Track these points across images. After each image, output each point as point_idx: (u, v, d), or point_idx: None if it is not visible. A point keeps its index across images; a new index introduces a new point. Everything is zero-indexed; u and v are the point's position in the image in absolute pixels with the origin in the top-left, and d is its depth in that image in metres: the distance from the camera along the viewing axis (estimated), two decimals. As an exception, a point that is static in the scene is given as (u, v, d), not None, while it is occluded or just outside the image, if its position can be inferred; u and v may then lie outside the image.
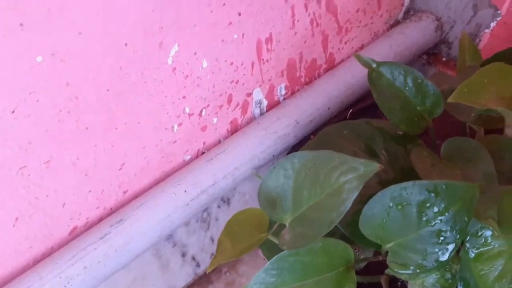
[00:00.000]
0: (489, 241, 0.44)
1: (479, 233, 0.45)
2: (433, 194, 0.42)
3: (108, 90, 0.49)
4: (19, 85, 0.43)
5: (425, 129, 0.56)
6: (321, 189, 0.43)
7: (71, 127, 0.48)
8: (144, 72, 0.51)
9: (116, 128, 0.52)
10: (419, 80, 0.55)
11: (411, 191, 0.42)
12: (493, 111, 0.49)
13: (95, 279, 0.52)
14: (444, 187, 0.41)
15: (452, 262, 0.46)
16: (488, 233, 0.44)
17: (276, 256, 0.45)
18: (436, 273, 0.45)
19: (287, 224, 0.46)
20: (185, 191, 0.57)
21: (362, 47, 0.74)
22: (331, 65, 0.71)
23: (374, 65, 0.56)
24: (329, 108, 0.67)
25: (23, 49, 0.42)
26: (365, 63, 0.56)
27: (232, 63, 0.59)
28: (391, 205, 0.43)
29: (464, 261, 0.46)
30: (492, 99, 0.48)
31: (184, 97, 0.56)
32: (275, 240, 0.45)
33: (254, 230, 0.45)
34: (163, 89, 0.54)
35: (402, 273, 0.44)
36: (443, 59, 0.79)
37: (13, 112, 0.44)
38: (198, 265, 0.68)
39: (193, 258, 0.67)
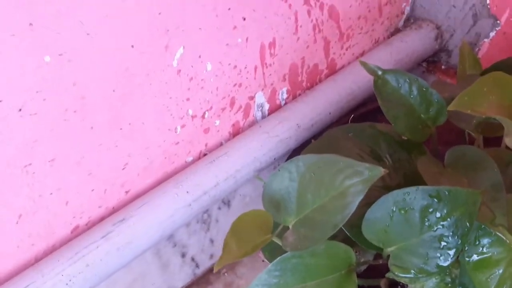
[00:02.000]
0: (487, 249, 0.45)
1: (477, 242, 0.45)
2: (436, 200, 0.43)
3: (114, 91, 0.50)
4: (26, 84, 0.44)
5: (428, 137, 0.57)
6: (326, 192, 0.44)
7: (76, 126, 0.49)
8: (150, 74, 0.52)
9: (121, 128, 0.53)
10: (424, 89, 0.56)
11: (414, 196, 0.43)
12: (493, 119, 0.50)
13: (96, 277, 0.53)
14: (446, 192, 0.42)
15: (452, 267, 0.46)
16: (486, 241, 0.45)
17: (278, 258, 0.46)
18: (436, 277, 0.46)
19: (290, 226, 0.46)
20: (187, 192, 0.58)
21: (363, 54, 0.75)
22: (332, 71, 0.72)
23: (380, 73, 0.57)
24: (330, 113, 0.68)
25: (31, 49, 0.42)
26: (371, 70, 0.57)
27: (235, 67, 0.59)
28: (394, 209, 0.44)
29: (463, 268, 0.46)
30: (492, 107, 0.49)
31: (188, 99, 0.57)
32: (279, 242, 0.46)
33: (258, 231, 0.46)
34: (168, 90, 0.54)
35: (403, 276, 0.44)
36: (443, 67, 0.80)
37: (20, 110, 0.44)
38: (197, 266, 0.69)
39: (193, 259, 0.68)
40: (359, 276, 0.49)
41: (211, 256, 0.70)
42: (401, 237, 0.44)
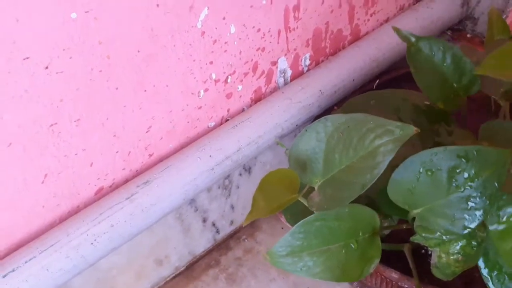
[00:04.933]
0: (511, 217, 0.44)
1: (501, 210, 0.45)
2: (464, 160, 0.42)
3: (138, 51, 0.50)
4: (53, 41, 0.43)
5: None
6: (354, 152, 0.43)
7: (101, 86, 0.49)
8: (174, 35, 0.51)
9: (145, 90, 0.53)
10: (458, 57, 0.54)
11: (442, 156, 0.42)
12: None
13: (121, 238, 0.53)
14: (475, 152, 0.41)
15: (478, 230, 0.46)
16: (510, 210, 0.44)
17: (302, 220, 0.46)
18: (462, 240, 0.46)
19: (316, 187, 0.46)
20: (210, 156, 0.58)
21: (387, 20, 0.74)
22: (356, 37, 0.71)
23: (413, 40, 0.56)
24: (353, 80, 0.67)
25: (58, 4, 0.42)
26: (404, 37, 0.56)
27: (259, 30, 0.59)
28: (421, 170, 0.43)
29: (488, 232, 0.46)
30: None
31: (211, 63, 0.57)
32: (305, 202, 0.46)
33: (285, 190, 0.45)
34: (192, 53, 0.54)
35: (429, 237, 0.44)
36: (468, 35, 0.79)
37: (46, 68, 0.44)
38: (217, 232, 0.69)
39: (213, 224, 0.68)
40: (382, 241, 0.49)
41: (232, 222, 0.70)
42: (428, 199, 0.44)
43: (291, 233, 0.46)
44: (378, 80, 0.65)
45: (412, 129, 0.41)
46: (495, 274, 0.44)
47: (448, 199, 0.43)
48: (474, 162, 0.42)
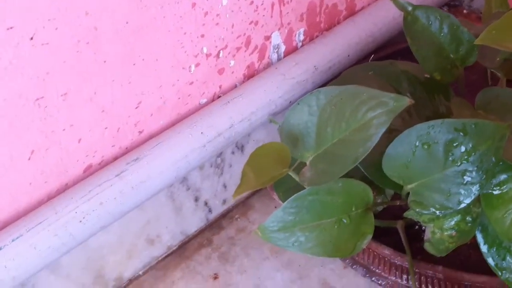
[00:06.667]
0: (504, 185, 0.43)
1: (495, 177, 0.44)
2: (461, 133, 0.41)
3: (127, 23, 0.48)
4: (37, 10, 0.42)
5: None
6: (347, 125, 0.42)
7: (89, 59, 0.47)
8: (164, 6, 0.50)
9: (134, 64, 0.51)
10: (455, 26, 0.53)
11: (439, 130, 0.41)
12: None
13: (110, 216, 0.52)
14: (473, 126, 0.41)
15: (474, 206, 0.45)
16: (503, 176, 0.43)
17: (295, 195, 0.45)
18: (457, 216, 0.45)
19: (308, 162, 0.45)
20: (201, 132, 0.57)
21: (383, -5, 0.72)
22: (352, 12, 0.69)
23: (410, 8, 0.54)
24: (348, 55, 0.65)
25: (42, -28, 0.41)
26: (401, 6, 0.55)
27: (252, 2, 0.57)
28: (417, 144, 0.42)
29: (482, 209, 0.45)
30: None
31: (202, 36, 0.55)
32: (296, 177, 0.45)
33: (276, 164, 0.44)
34: (182, 25, 0.52)
35: (423, 213, 0.43)
36: (464, 11, 0.78)
37: (31, 39, 0.43)
38: (210, 211, 0.68)
39: (206, 204, 0.67)
40: (375, 217, 0.48)
41: (224, 201, 0.70)
42: (423, 173, 0.43)
43: (283, 208, 0.45)
44: (373, 56, 0.64)
45: (406, 100, 0.40)
46: (494, 249, 0.44)
47: (444, 173, 0.42)
48: (472, 136, 0.41)
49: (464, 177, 0.42)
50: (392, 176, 0.44)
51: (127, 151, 0.56)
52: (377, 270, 0.51)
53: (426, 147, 0.42)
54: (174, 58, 0.54)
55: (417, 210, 0.43)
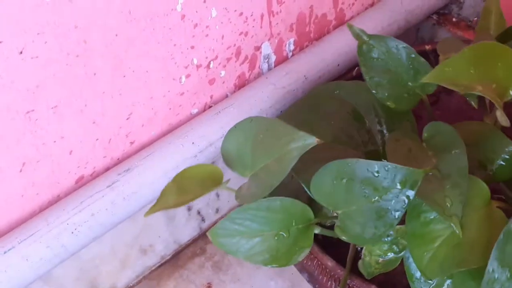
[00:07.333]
0: (427, 226, 0.45)
1: (421, 216, 0.45)
2: (376, 174, 0.43)
3: (116, 35, 0.49)
4: (27, 24, 0.42)
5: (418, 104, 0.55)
6: (269, 155, 0.46)
7: (79, 72, 0.48)
8: (153, 18, 0.50)
9: (124, 76, 0.51)
10: (412, 56, 0.54)
11: (355, 168, 0.43)
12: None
13: (102, 227, 0.52)
14: (386, 169, 0.42)
15: (402, 238, 0.47)
16: (429, 216, 0.45)
17: (238, 208, 0.47)
18: (384, 245, 0.47)
19: (247, 180, 0.48)
20: (192, 143, 0.57)
21: (372, 4, 0.73)
22: (341, 22, 0.70)
23: (366, 38, 0.55)
24: (338, 65, 0.66)
25: (31, -13, 0.41)
26: (356, 35, 0.55)
27: (241, 14, 0.58)
28: (336, 177, 0.44)
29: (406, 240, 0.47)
30: (477, 81, 0.45)
31: (192, 47, 0.56)
32: (233, 191, 0.48)
33: (204, 183, 0.48)
34: (171, 37, 0.53)
35: (343, 239, 0.45)
36: (454, 19, 0.78)
37: (21, 53, 0.43)
38: (203, 220, 0.68)
39: (199, 213, 0.67)
40: (328, 227, 0.50)
41: (217, 210, 0.70)
42: (344, 204, 0.45)
43: (229, 218, 0.47)
44: (357, 68, 0.64)
45: (313, 140, 0.43)
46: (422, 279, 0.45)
47: (361, 207, 0.44)
48: (386, 177, 0.42)
49: (378, 214, 0.43)
50: (320, 201, 0.46)
51: (118, 161, 0.57)
52: (319, 279, 0.53)
53: (344, 181, 0.44)
54: (164, 70, 0.55)
55: (342, 237, 0.45)
